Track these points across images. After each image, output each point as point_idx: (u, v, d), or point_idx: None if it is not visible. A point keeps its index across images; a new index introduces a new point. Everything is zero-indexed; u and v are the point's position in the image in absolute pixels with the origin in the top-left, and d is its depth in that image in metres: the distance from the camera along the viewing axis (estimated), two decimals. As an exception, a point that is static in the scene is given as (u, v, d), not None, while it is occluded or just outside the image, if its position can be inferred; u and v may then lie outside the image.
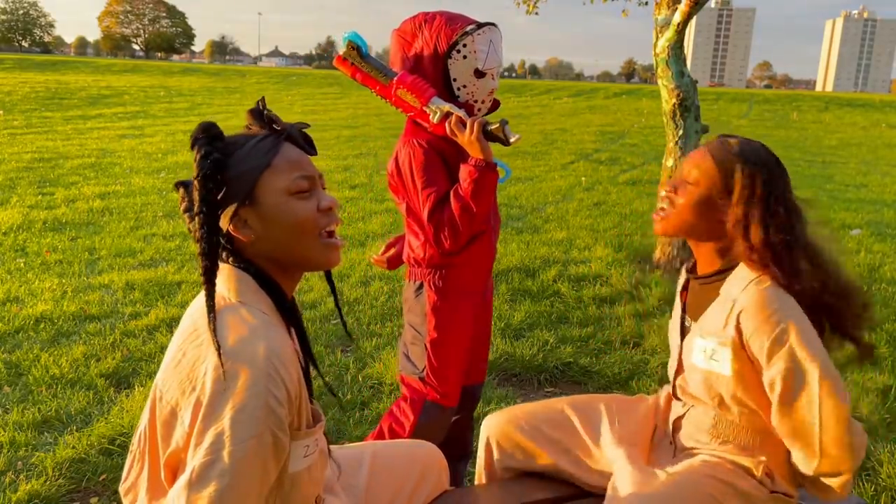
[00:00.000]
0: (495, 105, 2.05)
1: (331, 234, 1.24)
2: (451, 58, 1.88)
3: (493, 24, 1.92)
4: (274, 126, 1.23)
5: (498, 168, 1.96)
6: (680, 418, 1.66)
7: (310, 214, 1.20)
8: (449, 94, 1.93)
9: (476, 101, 1.93)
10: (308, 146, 1.27)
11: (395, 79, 1.88)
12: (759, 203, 1.46)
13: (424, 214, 1.91)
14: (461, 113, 1.84)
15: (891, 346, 3.84)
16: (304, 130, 1.27)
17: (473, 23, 1.90)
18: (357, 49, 1.90)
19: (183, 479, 1.05)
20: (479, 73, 1.89)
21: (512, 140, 1.82)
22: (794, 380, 1.39)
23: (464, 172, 1.86)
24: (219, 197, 1.17)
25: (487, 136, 1.84)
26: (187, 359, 1.14)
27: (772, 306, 1.41)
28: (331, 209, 1.23)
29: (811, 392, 1.39)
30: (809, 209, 1.54)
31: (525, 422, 1.77)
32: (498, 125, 1.82)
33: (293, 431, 1.14)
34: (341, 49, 1.94)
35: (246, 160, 1.18)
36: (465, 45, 1.86)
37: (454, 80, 1.90)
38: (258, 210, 1.18)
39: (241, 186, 1.17)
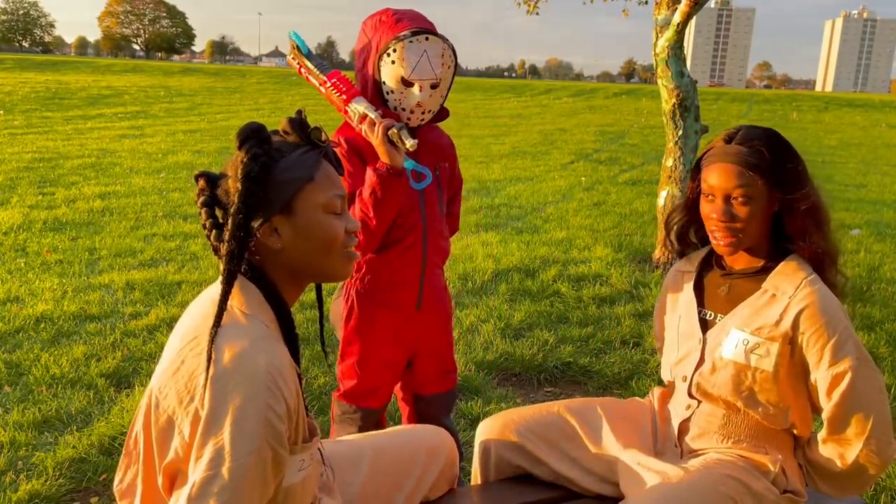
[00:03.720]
0: (443, 114, 1.98)
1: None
2: (382, 60, 1.84)
3: (436, 36, 1.84)
4: (318, 141, 1.23)
5: (415, 172, 1.91)
6: (686, 421, 1.64)
7: (341, 233, 1.22)
8: (380, 97, 1.88)
9: (405, 110, 1.86)
10: (338, 166, 1.27)
11: (326, 76, 1.85)
12: (804, 181, 1.57)
13: None
14: (374, 116, 1.78)
15: (890, 346, 3.84)
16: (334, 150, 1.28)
17: (414, 28, 1.82)
18: (297, 48, 1.88)
19: (183, 495, 1.05)
20: (406, 82, 1.83)
21: (408, 144, 1.74)
22: (858, 377, 1.46)
23: (366, 176, 1.83)
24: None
25: (391, 140, 1.79)
26: (186, 367, 1.12)
27: (832, 310, 1.47)
28: (355, 232, 1.25)
29: (872, 387, 1.47)
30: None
31: (522, 426, 1.75)
32: (394, 130, 1.76)
33: (290, 446, 1.14)
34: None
35: (290, 169, 1.18)
36: (394, 51, 1.81)
37: (384, 83, 1.86)
38: (292, 220, 1.18)
39: (282, 194, 1.17)
